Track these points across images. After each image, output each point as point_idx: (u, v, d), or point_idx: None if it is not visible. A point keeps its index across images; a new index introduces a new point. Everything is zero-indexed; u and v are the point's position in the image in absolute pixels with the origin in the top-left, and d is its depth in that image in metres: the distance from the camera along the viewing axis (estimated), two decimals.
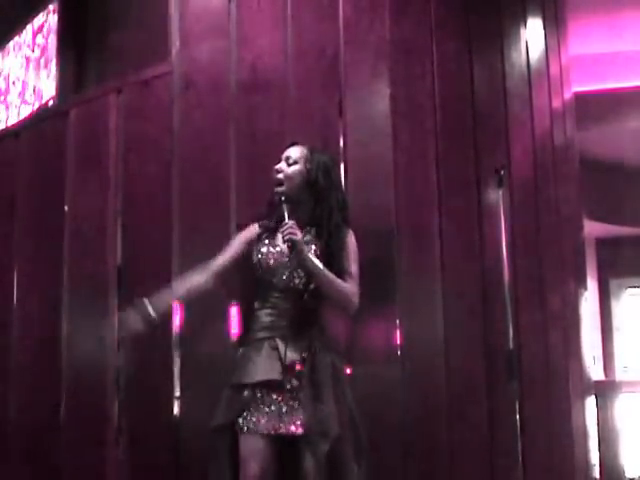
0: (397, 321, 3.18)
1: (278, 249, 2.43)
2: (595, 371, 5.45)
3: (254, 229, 2.53)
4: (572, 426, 4.10)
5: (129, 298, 3.29)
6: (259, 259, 2.43)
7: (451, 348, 3.28)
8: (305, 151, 2.50)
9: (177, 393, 3.11)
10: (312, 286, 2.37)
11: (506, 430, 3.24)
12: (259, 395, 2.29)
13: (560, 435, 3.93)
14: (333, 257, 2.40)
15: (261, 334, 2.37)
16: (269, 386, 2.29)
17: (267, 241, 2.46)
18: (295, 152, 2.50)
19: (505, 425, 3.26)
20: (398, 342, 3.16)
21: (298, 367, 2.31)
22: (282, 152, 2.53)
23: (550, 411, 3.81)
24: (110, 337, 3.30)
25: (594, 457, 4.63)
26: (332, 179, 2.51)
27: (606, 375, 7.43)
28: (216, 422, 2.35)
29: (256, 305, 2.43)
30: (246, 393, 2.30)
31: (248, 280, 2.48)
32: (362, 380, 3.08)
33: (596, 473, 4.70)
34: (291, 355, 2.32)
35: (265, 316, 2.39)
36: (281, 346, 2.32)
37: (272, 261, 2.42)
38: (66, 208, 3.54)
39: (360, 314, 3.10)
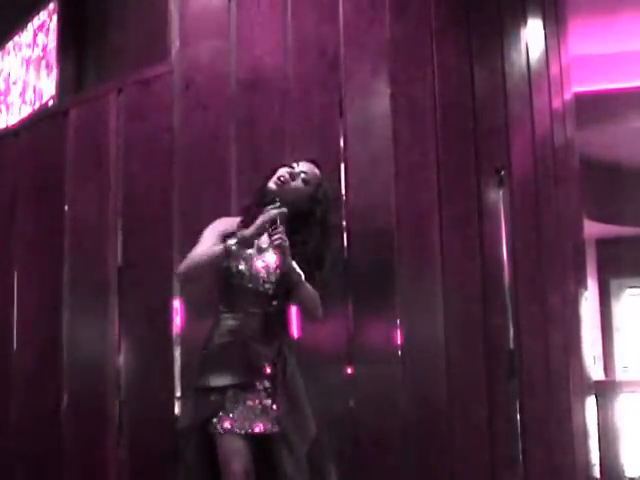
0: (397, 321, 3.17)
1: (252, 252, 2.36)
2: (595, 371, 5.45)
3: (232, 223, 2.43)
4: (572, 426, 4.10)
5: (129, 298, 3.32)
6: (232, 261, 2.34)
7: (451, 348, 3.28)
8: (318, 177, 2.44)
9: (177, 393, 3.11)
10: (281, 291, 2.33)
11: (506, 430, 3.24)
12: (231, 395, 2.25)
13: (560, 435, 3.93)
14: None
15: (228, 337, 2.32)
16: (241, 387, 2.26)
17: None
18: (312, 171, 2.43)
19: (505, 425, 3.26)
20: (398, 342, 3.15)
21: (268, 371, 2.29)
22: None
23: (550, 411, 3.81)
24: (110, 337, 3.30)
25: (594, 457, 4.63)
26: (329, 216, 2.47)
27: (606, 375, 7.44)
28: (184, 424, 2.32)
29: (221, 307, 2.38)
30: (217, 395, 2.25)
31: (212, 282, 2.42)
32: (363, 380, 3.08)
33: (596, 473, 4.70)
34: (261, 359, 2.29)
35: (232, 319, 2.34)
36: (251, 350, 2.29)
37: (245, 264, 2.35)
38: (66, 208, 3.54)
39: (360, 314, 3.12)
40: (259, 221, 2.27)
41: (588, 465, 4.43)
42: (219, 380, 2.26)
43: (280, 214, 2.26)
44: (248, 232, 2.29)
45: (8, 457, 3.53)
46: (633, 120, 6.02)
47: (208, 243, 2.36)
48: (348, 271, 2.96)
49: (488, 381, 3.38)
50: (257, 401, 2.25)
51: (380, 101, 3.34)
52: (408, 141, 3.36)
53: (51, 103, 4.37)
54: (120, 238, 3.36)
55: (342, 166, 3.21)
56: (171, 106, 3.35)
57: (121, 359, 3.26)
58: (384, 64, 3.36)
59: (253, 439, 2.24)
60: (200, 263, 2.30)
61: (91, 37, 4.44)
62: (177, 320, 3.14)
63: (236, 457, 2.20)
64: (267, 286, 2.34)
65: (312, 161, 2.48)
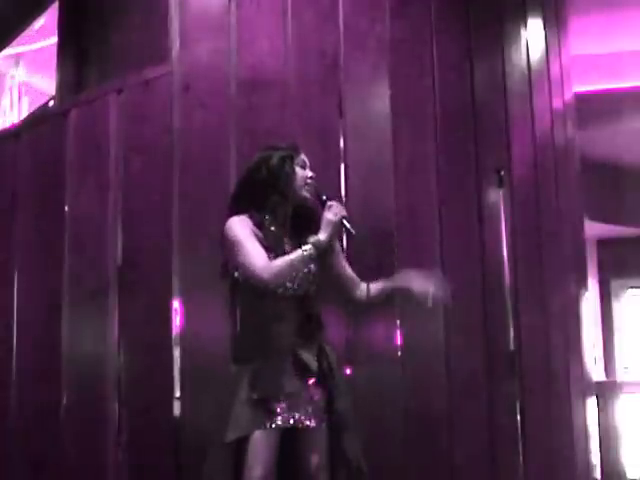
0: (397, 321, 3.17)
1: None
2: (596, 372, 5.45)
3: (249, 222, 2.38)
4: (573, 427, 4.10)
5: (129, 298, 3.32)
6: None
7: (451, 349, 3.28)
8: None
9: (177, 394, 3.11)
10: (313, 291, 2.39)
11: (506, 430, 3.24)
12: (284, 404, 2.30)
13: (560, 436, 3.93)
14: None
15: (275, 344, 2.34)
16: (294, 393, 2.31)
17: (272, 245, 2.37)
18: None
19: (505, 425, 3.25)
20: (398, 343, 3.15)
21: (311, 381, 2.34)
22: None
23: (550, 411, 3.81)
24: (110, 337, 3.30)
25: (595, 458, 4.64)
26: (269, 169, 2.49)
27: (607, 376, 7.43)
28: (235, 435, 2.27)
29: (262, 316, 2.38)
30: (273, 403, 2.28)
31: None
32: (362, 381, 3.08)
33: (597, 474, 4.71)
34: (307, 359, 2.34)
35: (275, 326, 2.35)
36: (301, 354, 2.33)
37: None
38: (66, 208, 3.54)
39: (360, 315, 3.12)
40: (329, 226, 2.35)
41: (589, 466, 4.43)
42: (274, 391, 2.30)
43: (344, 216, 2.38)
44: (323, 237, 2.33)
45: (8, 457, 3.53)
46: (633, 120, 6.02)
47: (255, 245, 2.32)
48: None
49: (488, 381, 3.38)
50: (301, 397, 2.32)
51: (380, 101, 3.34)
52: (408, 141, 3.35)
53: (51, 104, 4.37)
54: (120, 238, 3.36)
55: (342, 166, 3.21)
56: (171, 107, 3.34)
57: (121, 359, 3.26)
58: (384, 64, 3.36)
59: (284, 433, 2.28)
60: (288, 270, 2.32)
61: (91, 37, 4.44)
62: (177, 320, 3.14)
63: (260, 463, 2.23)
64: (298, 288, 2.37)
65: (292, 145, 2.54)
